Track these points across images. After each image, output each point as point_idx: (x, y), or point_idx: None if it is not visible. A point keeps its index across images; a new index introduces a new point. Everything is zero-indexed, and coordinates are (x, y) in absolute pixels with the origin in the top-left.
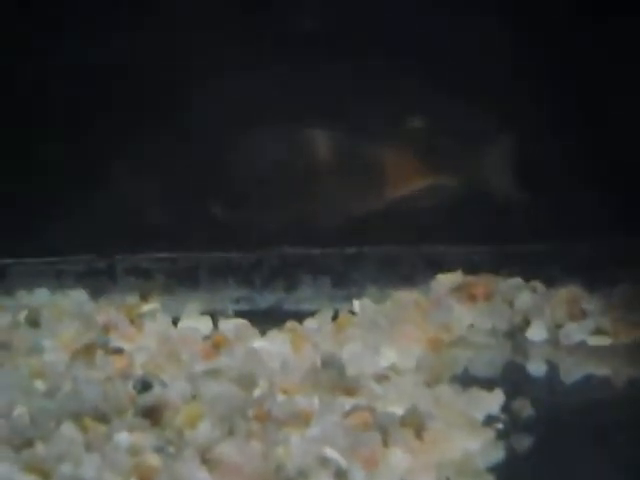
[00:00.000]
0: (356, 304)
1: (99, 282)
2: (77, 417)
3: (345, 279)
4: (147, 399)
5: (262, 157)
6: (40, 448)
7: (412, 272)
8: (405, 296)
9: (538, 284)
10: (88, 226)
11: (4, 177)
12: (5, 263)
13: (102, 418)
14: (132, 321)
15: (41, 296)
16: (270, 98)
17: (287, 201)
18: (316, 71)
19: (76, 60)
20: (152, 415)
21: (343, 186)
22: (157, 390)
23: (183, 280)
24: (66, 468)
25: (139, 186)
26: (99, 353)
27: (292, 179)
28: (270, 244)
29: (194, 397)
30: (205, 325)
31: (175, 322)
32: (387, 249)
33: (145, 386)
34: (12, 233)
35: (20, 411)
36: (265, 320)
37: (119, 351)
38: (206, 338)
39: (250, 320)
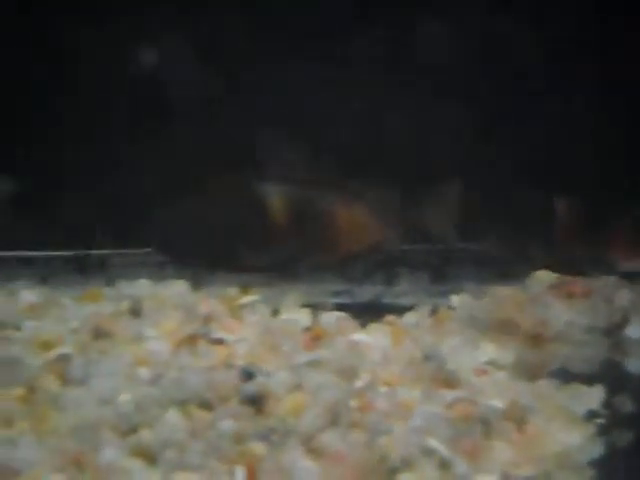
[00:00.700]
0: (454, 299)
1: (198, 273)
2: (181, 404)
3: (443, 275)
4: (251, 388)
5: None
6: (145, 434)
7: (508, 269)
8: (503, 292)
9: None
10: None
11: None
12: (106, 254)
13: (206, 406)
14: (232, 312)
15: (142, 286)
16: None
17: None
18: None
19: None
20: (256, 404)
21: None
22: (260, 379)
23: (282, 273)
24: (171, 454)
25: None
26: (201, 343)
27: None
28: None
29: (297, 387)
30: (305, 317)
31: (275, 314)
32: (484, 246)
33: (249, 375)
34: (114, 225)
35: (125, 398)
36: (364, 314)
37: (220, 342)
38: (306, 330)
39: (349, 313)
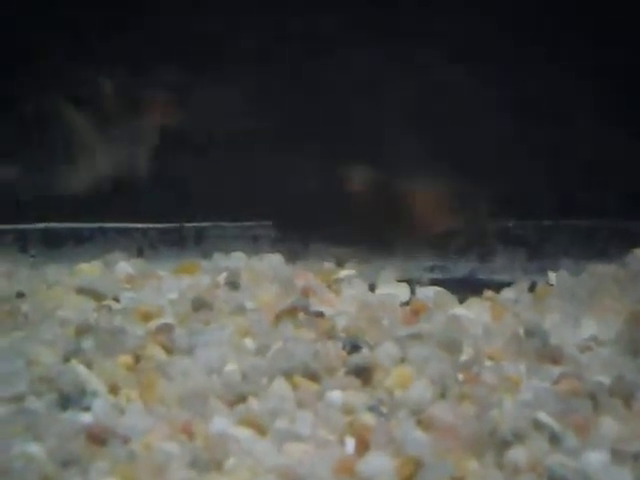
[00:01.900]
0: (552, 276)
1: (292, 247)
2: (288, 375)
3: (539, 251)
4: (357, 359)
5: None
6: (253, 404)
7: (606, 246)
8: (602, 269)
9: None
10: None
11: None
12: (202, 226)
13: (313, 376)
14: (329, 286)
15: (238, 259)
16: None
17: None
18: None
19: None
20: (362, 375)
21: None
22: (365, 352)
23: (377, 247)
24: (281, 423)
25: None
26: (300, 316)
27: None
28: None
29: (402, 360)
30: (402, 292)
31: (371, 288)
32: (582, 223)
33: (354, 347)
34: (209, 198)
35: (231, 368)
36: (460, 289)
37: (320, 314)
38: (404, 304)
39: (445, 289)
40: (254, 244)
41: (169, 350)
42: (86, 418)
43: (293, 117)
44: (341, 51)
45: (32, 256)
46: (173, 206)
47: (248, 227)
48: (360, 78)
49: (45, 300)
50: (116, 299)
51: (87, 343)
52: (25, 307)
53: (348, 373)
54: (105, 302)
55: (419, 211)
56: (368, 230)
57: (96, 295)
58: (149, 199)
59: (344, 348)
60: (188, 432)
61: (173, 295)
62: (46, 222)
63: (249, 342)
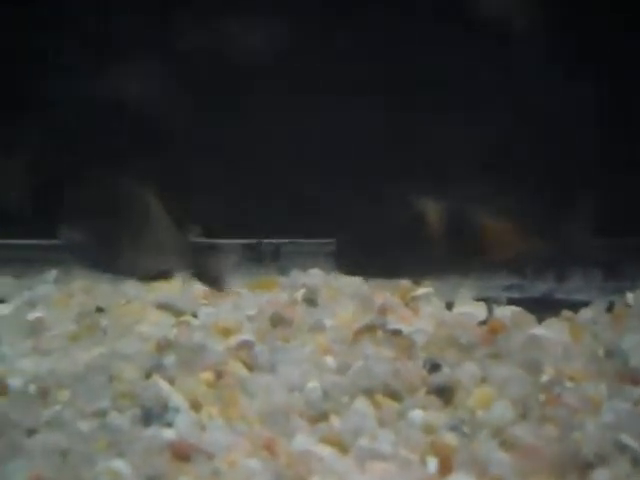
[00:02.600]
0: (630, 297)
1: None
2: (369, 393)
3: (616, 271)
4: (438, 379)
5: None
6: (335, 422)
7: None
8: None
9: None
10: None
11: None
12: (279, 243)
13: (394, 395)
14: (406, 304)
15: (315, 276)
16: None
17: None
18: None
19: None
20: (444, 395)
21: None
22: (446, 371)
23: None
24: (363, 442)
25: None
26: (379, 334)
27: None
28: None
29: (483, 379)
30: (479, 311)
31: (448, 307)
32: None
33: (434, 366)
34: (287, 214)
35: (313, 385)
36: (537, 308)
37: (397, 333)
38: (481, 323)
39: (522, 308)
40: (330, 261)
41: (250, 367)
42: (169, 434)
43: (374, 138)
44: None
45: None
46: (251, 222)
47: (325, 244)
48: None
49: (124, 315)
50: (194, 315)
51: (168, 359)
52: (104, 322)
53: (429, 392)
54: (183, 318)
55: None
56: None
57: (174, 311)
58: (226, 215)
59: (424, 367)
60: (270, 449)
61: (251, 311)
62: None
63: (329, 360)
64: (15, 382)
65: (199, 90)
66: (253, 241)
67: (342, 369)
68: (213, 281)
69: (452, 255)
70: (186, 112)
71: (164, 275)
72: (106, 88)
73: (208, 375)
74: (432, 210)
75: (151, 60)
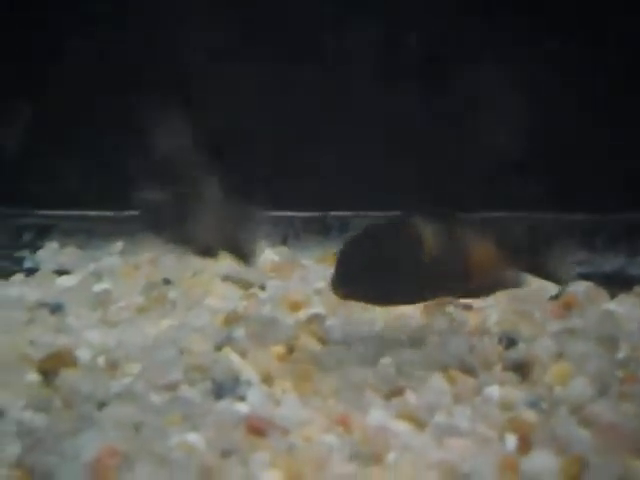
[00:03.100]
0: None
1: None
2: (444, 369)
3: None
4: (515, 354)
5: None
6: (410, 397)
7: None
8: None
9: None
10: None
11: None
12: (346, 215)
13: (469, 371)
14: None
15: None
16: None
17: None
18: None
19: None
20: (520, 371)
21: None
22: (522, 346)
23: None
24: (440, 418)
25: None
26: (449, 308)
27: None
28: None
29: (559, 355)
30: (551, 286)
31: None
32: None
33: (511, 342)
34: (354, 186)
35: (386, 360)
36: (609, 283)
37: (468, 307)
38: (553, 298)
39: (594, 283)
40: None
41: (323, 341)
42: (242, 408)
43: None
44: None
45: None
46: (317, 194)
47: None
48: None
49: (191, 288)
50: (262, 288)
51: (239, 332)
52: (172, 294)
53: (505, 368)
54: (251, 290)
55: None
56: None
57: (242, 283)
58: (294, 188)
59: (500, 342)
60: (345, 425)
61: (319, 284)
62: None
63: (402, 334)
64: (83, 354)
65: None
66: (319, 214)
67: (415, 344)
68: (243, 255)
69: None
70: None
71: (211, 252)
72: None
73: (279, 349)
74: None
75: None
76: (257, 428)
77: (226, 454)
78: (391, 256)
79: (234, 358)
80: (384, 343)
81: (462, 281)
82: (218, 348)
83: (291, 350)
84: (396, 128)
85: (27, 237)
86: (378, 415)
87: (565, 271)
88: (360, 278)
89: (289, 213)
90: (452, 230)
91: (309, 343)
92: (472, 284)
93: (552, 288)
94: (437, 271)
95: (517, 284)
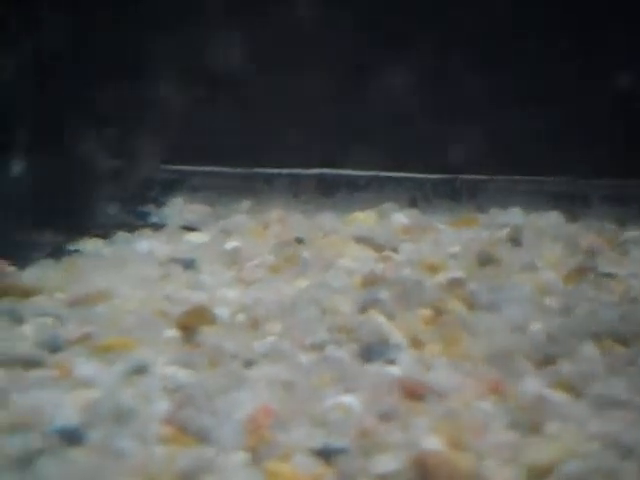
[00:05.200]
0: None
1: (573, 205)
2: (596, 338)
3: None
4: None
5: None
6: (563, 366)
7: None
8: None
9: None
10: None
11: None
12: (480, 179)
13: (622, 341)
14: (614, 247)
15: (516, 215)
16: None
17: None
18: None
19: None
20: None
21: None
22: None
23: None
24: (596, 388)
25: None
26: (590, 277)
27: None
28: None
29: None
30: None
31: None
32: None
33: None
34: (486, 151)
35: (536, 327)
36: None
37: (611, 276)
38: None
39: None
40: (529, 199)
41: (470, 305)
42: (395, 371)
43: None
44: None
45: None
46: (448, 158)
47: (525, 181)
48: None
49: (324, 248)
50: (395, 250)
51: (382, 294)
52: (305, 254)
53: None
54: (385, 253)
55: None
56: None
57: (374, 245)
58: (424, 150)
59: None
60: (499, 391)
61: (454, 248)
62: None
63: (549, 301)
64: (222, 312)
65: None
66: (450, 176)
67: (565, 312)
68: None
69: None
70: None
71: None
72: None
73: (426, 312)
74: None
75: None
76: (413, 392)
77: (384, 418)
78: None
79: (382, 320)
80: (532, 309)
81: None
82: (362, 310)
83: (438, 313)
84: None
85: (152, 193)
86: (532, 383)
87: None
88: None
89: (420, 175)
90: None
91: (456, 307)
92: None
93: None
94: None
95: None
